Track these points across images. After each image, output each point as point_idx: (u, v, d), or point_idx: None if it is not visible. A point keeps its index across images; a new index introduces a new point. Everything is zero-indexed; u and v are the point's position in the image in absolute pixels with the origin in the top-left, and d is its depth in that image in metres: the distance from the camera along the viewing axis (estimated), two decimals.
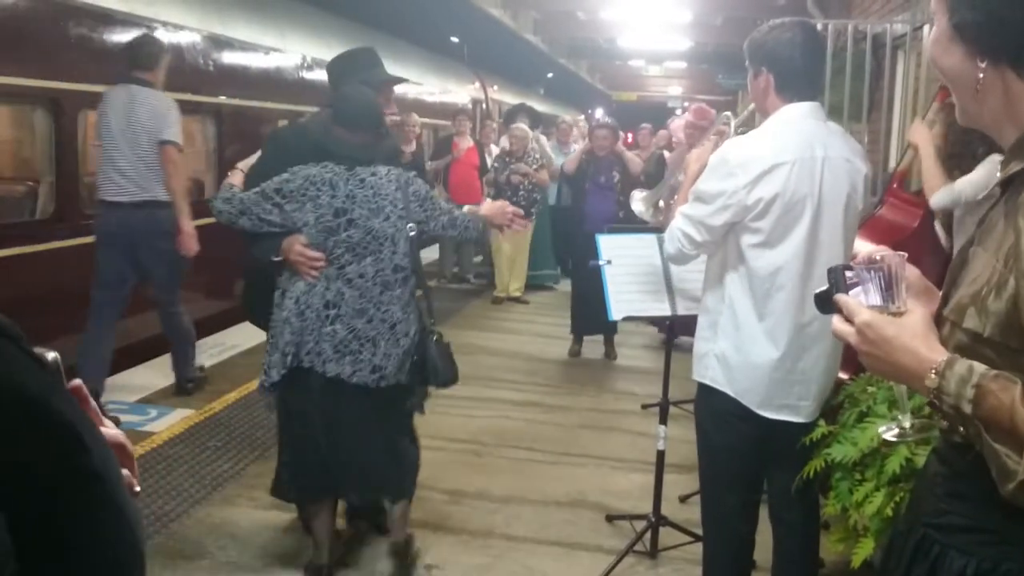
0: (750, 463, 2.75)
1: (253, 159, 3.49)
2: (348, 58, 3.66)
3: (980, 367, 1.16)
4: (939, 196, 3.44)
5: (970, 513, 1.27)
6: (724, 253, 2.61)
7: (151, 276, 5.15)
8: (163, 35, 6.54)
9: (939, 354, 1.20)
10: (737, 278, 2.59)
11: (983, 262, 1.24)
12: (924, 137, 3.60)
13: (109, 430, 0.95)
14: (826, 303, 1.32)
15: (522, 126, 9.25)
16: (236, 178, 3.37)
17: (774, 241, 2.52)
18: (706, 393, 2.71)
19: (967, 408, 1.16)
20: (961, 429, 1.20)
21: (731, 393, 2.63)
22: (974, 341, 1.22)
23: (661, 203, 3.31)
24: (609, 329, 6.83)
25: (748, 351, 2.59)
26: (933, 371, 1.19)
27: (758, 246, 2.53)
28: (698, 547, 3.18)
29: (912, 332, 1.23)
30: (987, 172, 3.25)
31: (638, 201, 3.23)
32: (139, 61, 5.03)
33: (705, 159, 2.74)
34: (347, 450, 3.21)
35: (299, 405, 3.20)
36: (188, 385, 5.46)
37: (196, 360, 5.61)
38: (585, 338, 7.06)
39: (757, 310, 2.57)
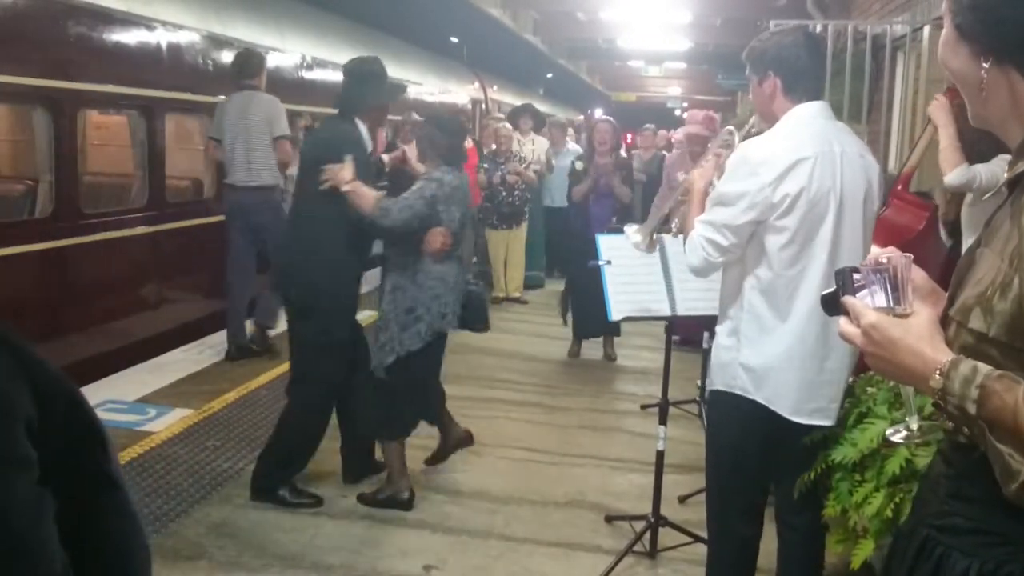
0: (759, 467, 2.73)
1: (349, 168, 3.81)
2: (371, 64, 4.23)
3: (984, 367, 1.16)
4: (955, 174, 3.44)
5: (973, 514, 1.27)
6: (743, 260, 2.59)
7: (263, 241, 6.06)
8: (161, 34, 6.54)
9: (944, 355, 1.20)
10: (757, 283, 2.56)
11: (989, 263, 1.24)
12: (946, 116, 3.58)
13: None
14: (833, 305, 1.31)
15: (508, 125, 9.25)
16: (370, 192, 3.84)
17: (801, 239, 2.50)
18: (726, 400, 2.66)
19: (971, 408, 1.15)
20: (966, 430, 1.20)
21: (762, 401, 2.59)
22: (979, 341, 1.22)
23: (655, 235, 3.29)
24: (610, 330, 6.80)
25: (774, 356, 2.56)
26: (938, 372, 1.18)
27: (785, 246, 2.50)
28: (697, 547, 3.19)
29: (918, 334, 1.22)
30: (1003, 166, 3.26)
31: (634, 234, 3.20)
32: (246, 71, 6.16)
33: (709, 176, 2.73)
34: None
35: (432, 360, 4.08)
36: (259, 331, 6.29)
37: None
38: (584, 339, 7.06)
39: (780, 313, 2.54)
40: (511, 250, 8.90)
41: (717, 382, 2.70)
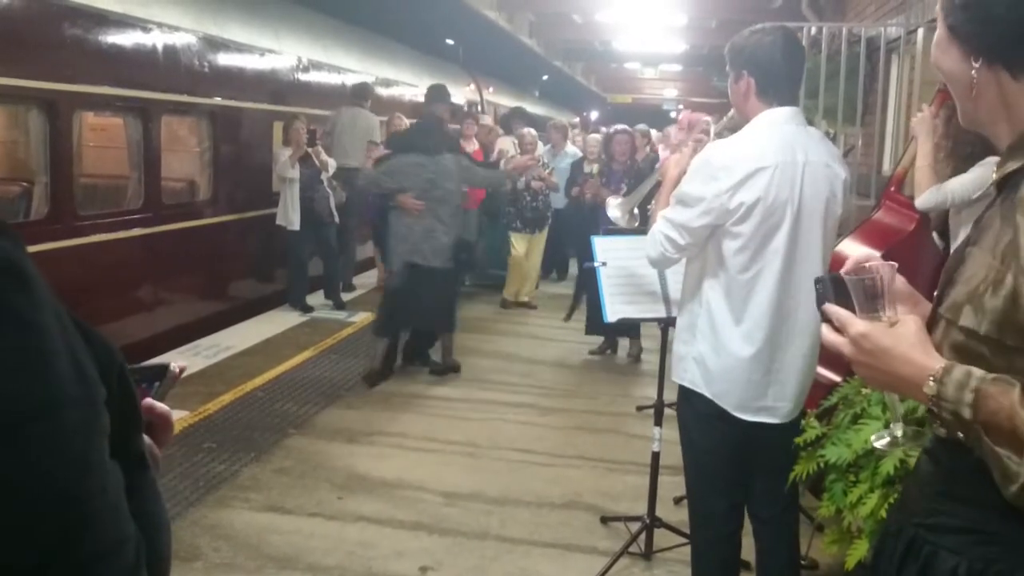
0: (734, 464, 2.76)
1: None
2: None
3: (978, 372, 1.16)
4: (927, 197, 3.45)
5: (962, 513, 1.27)
6: (703, 257, 2.63)
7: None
8: (157, 36, 6.54)
9: (936, 361, 1.20)
10: (715, 282, 2.60)
11: (979, 260, 1.25)
12: (927, 132, 3.58)
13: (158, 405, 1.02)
14: (819, 310, 1.31)
15: (532, 131, 9.25)
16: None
17: (755, 246, 2.53)
18: (687, 395, 2.73)
19: (967, 413, 1.15)
20: (961, 435, 1.20)
21: (708, 395, 2.64)
22: (969, 338, 1.22)
23: (636, 210, 3.30)
24: (627, 331, 6.76)
25: (725, 353, 2.60)
26: (931, 378, 1.18)
27: (739, 251, 2.54)
28: None
29: (909, 341, 1.22)
30: (980, 174, 3.26)
31: (613, 208, 3.23)
32: (360, 94, 9.17)
33: (684, 165, 2.75)
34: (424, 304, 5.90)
35: (402, 283, 5.89)
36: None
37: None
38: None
39: (735, 314, 2.58)
40: (530, 255, 8.86)
41: (673, 375, 2.76)
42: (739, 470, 2.78)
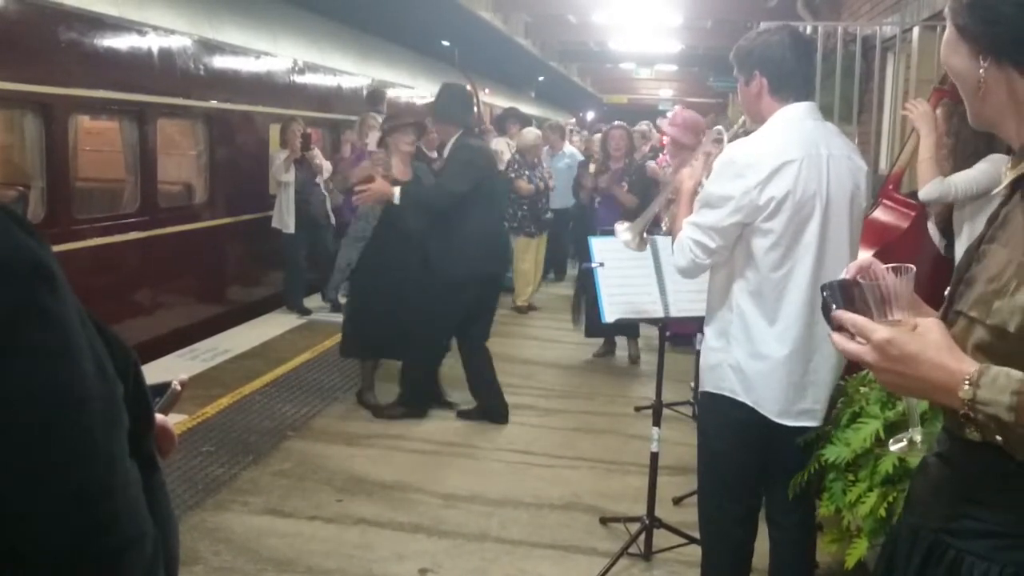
0: (754, 471, 2.74)
1: None
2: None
3: (1017, 374, 1.13)
4: (929, 188, 3.45)
5: (990, 517, 1.25)
6: (731, 261, 2.59)
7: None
8: (153, 40, 6.53)
9: (968, 364, 1.16)
10: (745, 284, 2.56)
11: (1003, 258, 1.23)
12: (929, 123, 3.58)
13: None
14: (826, 317, 1.27)
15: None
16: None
17: (787, 242, 2.50)
18: (717, 403, 2.67)
19: (1007, 416, 1.12)
20: (999, 438, 1.16)
21: (750, 403, 2.59)
22: (997, 337, 1.20)
23: (646, 233, 3.28)
24: (629, 331, 6.77)
25: (760, 357, 2.56)
26: (967, 382, 1.15)
27: (771, 249, 2.50)
28: (692, 549, 3.19)
29: (936, 345, 1.18)
30: (984, 169, 3.26)
31: (623, 232, 3.20)
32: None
33: (698, 176, 2.73)
34: None
35: None
36: None
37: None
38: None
39: (768, 315, 2.55)
40: (536, 260, 8.83)
41: (707, 384, 2.70)
42: (757, 475, 2.77)
